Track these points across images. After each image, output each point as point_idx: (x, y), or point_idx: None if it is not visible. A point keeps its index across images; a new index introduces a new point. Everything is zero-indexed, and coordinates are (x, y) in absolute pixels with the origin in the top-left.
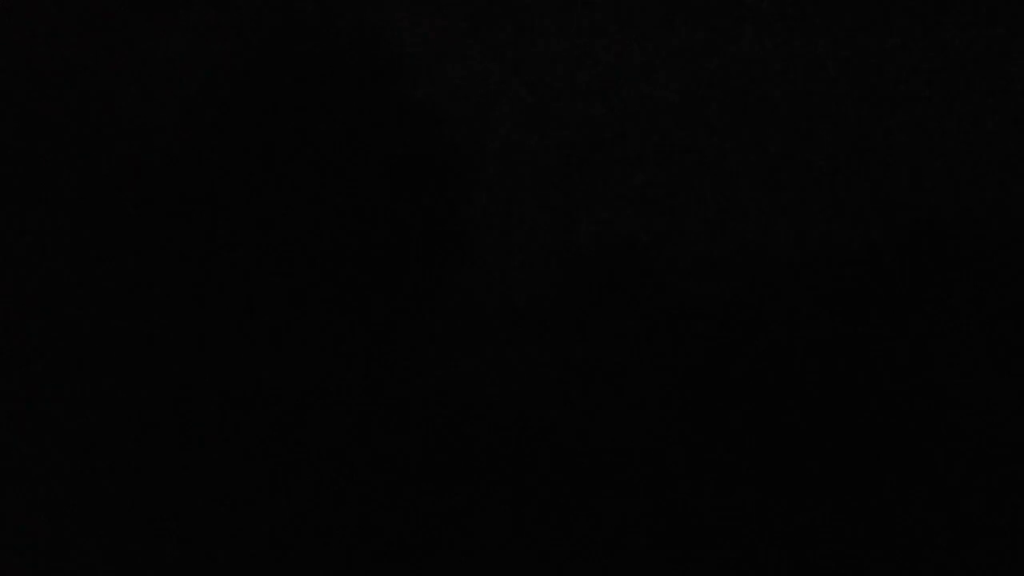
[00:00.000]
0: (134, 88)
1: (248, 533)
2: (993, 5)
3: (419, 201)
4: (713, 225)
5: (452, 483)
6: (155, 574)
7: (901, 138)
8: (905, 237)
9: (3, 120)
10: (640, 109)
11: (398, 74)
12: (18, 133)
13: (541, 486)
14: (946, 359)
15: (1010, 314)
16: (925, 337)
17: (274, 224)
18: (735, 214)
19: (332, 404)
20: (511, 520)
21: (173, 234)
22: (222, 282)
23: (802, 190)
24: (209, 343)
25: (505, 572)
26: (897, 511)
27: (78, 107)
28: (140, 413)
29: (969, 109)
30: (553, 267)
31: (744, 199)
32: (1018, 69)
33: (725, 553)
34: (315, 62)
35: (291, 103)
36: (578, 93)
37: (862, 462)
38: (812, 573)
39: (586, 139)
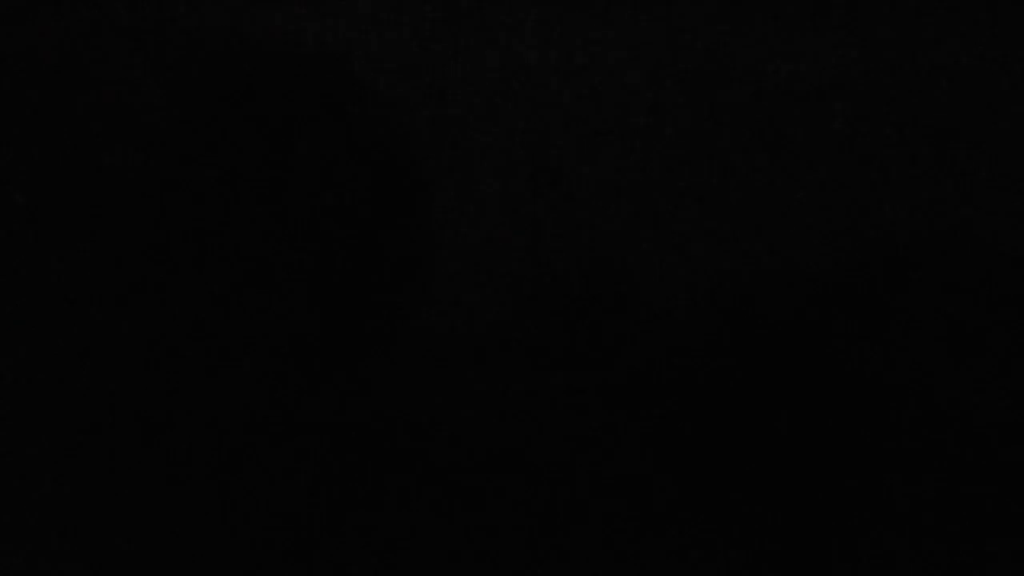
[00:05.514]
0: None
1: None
2: (981, 11)
3: (377, 224)
4: (689, 247)
5: (417, 510)
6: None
7: (887, 149)
8: (890, 250)
9: None
10: (612, 127)
11: (355, 91)
12: None
13: (511, 513)
14: (929, 369)
15: (1000, 322)
16: (904, 352)
17: (220, 251)
18: (713, 235)
19: (289, 436)
20: (479, 548)
21: (109, 266)
22: (169, 310)
23: (786, 209)
24: (152, 372)
25: None
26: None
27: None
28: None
29: (960, 115)
30: (519, 289)
31: (724, 220)
32: (1013, 75)
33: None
34: (262, 76)
35: (237, 118)
36: (544, 109)
37: (834, 497)
38: None
39: (554, 157)
